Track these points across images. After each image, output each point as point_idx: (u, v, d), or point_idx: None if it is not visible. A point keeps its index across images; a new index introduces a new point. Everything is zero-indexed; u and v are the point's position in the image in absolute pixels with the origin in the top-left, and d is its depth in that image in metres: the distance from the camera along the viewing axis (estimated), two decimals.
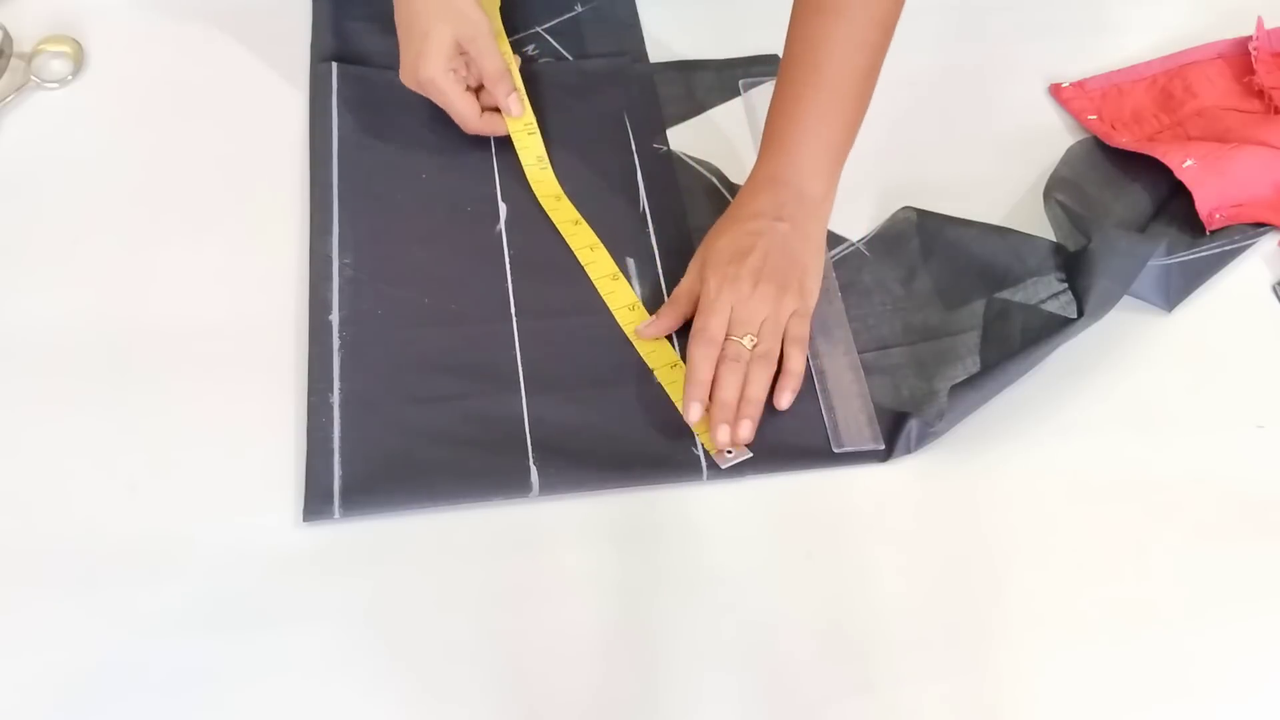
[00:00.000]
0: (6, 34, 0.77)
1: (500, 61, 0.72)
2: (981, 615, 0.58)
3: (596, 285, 0.68)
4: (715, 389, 0.61)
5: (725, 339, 0.63)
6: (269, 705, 0.53)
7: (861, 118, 0.67)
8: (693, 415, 0.61)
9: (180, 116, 0.75)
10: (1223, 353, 0.68)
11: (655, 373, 0.64)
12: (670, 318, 0.66)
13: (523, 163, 0.73)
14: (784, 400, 0.63)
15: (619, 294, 0.67)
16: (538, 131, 0.74)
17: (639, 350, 0.65)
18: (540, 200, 0.71)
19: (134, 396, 0.62)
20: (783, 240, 0.65)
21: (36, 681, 0.53)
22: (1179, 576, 0.59)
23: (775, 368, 0.63)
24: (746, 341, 0.62)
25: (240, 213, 0.71)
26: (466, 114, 0.72)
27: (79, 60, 0.78)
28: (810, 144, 0.66)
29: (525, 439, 0.61)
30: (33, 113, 0.75)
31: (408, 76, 0.71)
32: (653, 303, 0.68)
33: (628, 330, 0.66)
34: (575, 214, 0.71)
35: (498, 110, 0.74)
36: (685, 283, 0.66)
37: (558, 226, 0.70)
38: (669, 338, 0.66)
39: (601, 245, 0.69)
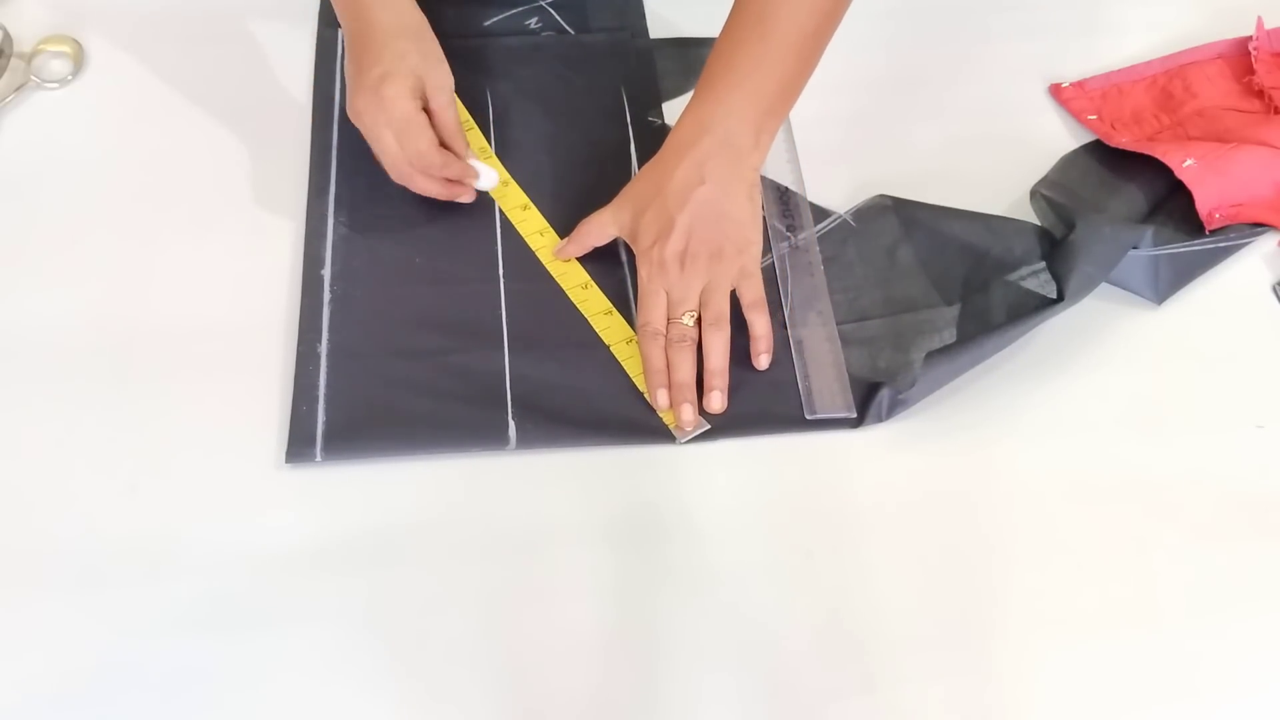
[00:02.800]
0: (6, 34, 0.77)
1: (457, 117, 0.69)
2: (981, 615, 0.58)
3: (548, 269, 0.69)
4: (670, 372, 0.63)
5: (668, 323, 0.64)
6: (268, 704, 0.53)
7: (803, 81, 0.67)
8: (661, 402, 0.62)
9: (180, 116, 0.75)
10: (1222, 353, 0.68)
11: (611, 348, 0.65)
12: (575, 245, 0.68)
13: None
14: (761, 363, 0.64)
15: (571, 274, 0.68)
16: (475, 126, 0.75)
17: (594, 327, 0.66)
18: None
19: (134, 396, 0.62)
20: (705, 207, 0.64)
21: (36, 681, 0.53)
22: (1179, 576, 0.59)
23: (729, 331, 0.64)
24: (687, 320, 0.64)
25: (240, 213, 0.71)
26: (400, 154, 0.66)
27: (79, 60, 0.78)
28: (742, 90, 0.65)
29: (505, 394, 0.63)
30: (33, 113, 0.75)
31: (362, 102, 0.65)
32: (609, 283, 0.68)
33: (582, 307, 0.67)
34: (524, 199, 0.72)
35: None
36: (598, 217, 0.67)
37: (506, 213, 0.71)
38: (622, 314, 0.67)
39: (551, 229, 0.70)
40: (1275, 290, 0.72)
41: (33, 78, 0.76)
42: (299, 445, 0.60)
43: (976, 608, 0.58)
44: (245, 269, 0.68)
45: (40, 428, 0.61)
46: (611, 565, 0.58)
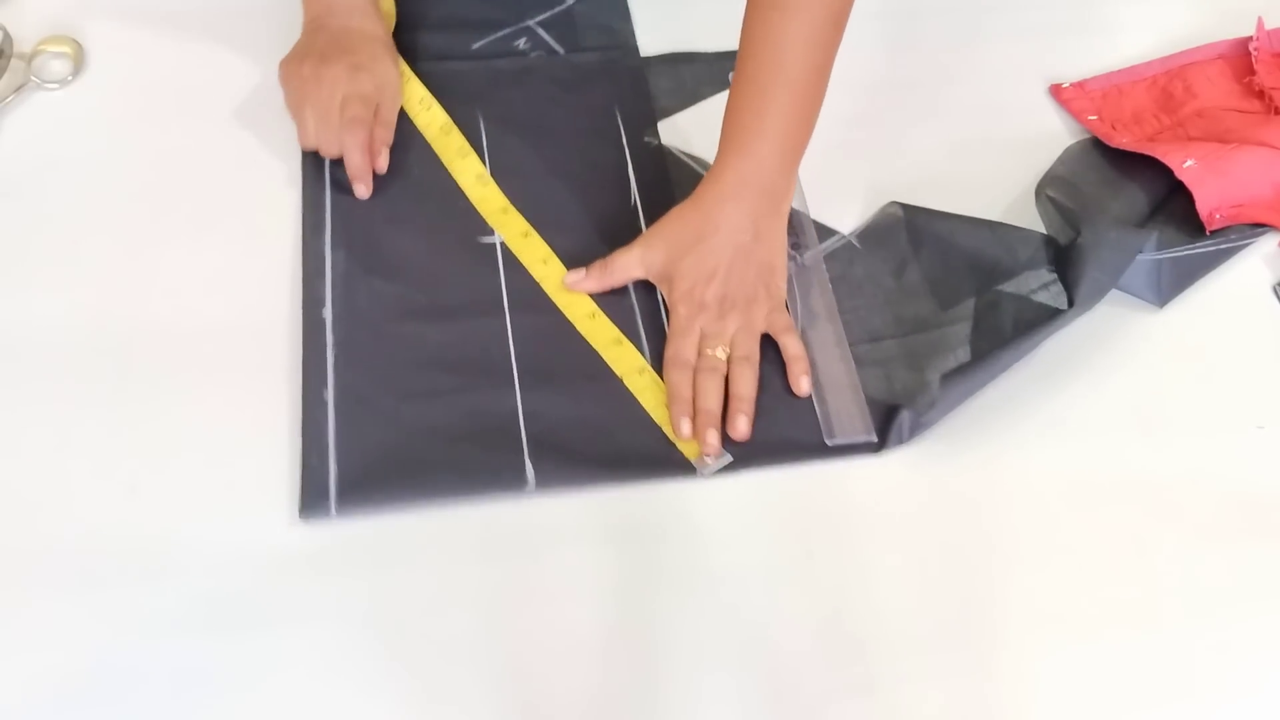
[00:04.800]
0: (6, 34, 0.77)
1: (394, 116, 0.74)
2: (982, 615, 0.58)
3: (553, 299, 0.67)
4: (697, 399, 0.62)
5: (698, 355, 0.64)
6: (268, 705, 0.53)
7: (818, 112, 0.67)
8: (684, 430, 0.61)
9: (180, 116, 0.75)
10: (1223, 353, 0.68)
11: (623, 379, 0.64)
12: (595, 281, 0.67)
13: (461, 185, 0.72)
14: (803, 385, 0.64)
15: (577, 304, 0.67)
16: (471, 152, 0.73)
17: (604, 358, 0.65)
18: (486, 218, 0.70)
19: (134, 396, 0.62)
20: (746, 255, 0.65)
21: (36, 681, 0.53)
22: (1179, 577, 0.59)
23: (758, 369, 0.63)
24: (720, 353, 0.63)
25: (240, 213, 0.71)
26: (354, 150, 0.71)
27: (79, 60, 0.78)
28: (773, 143, 0.66)
29: (520, 434, 0.61)
30: (33, 113, 0.75)
31: (336, 72, 0.72)
32: (643, 305, 0.67)
33: (590, 338, 0.65)
34: (525, 225, 0.70)
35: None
36: (625, 256, 0.67)
37: (507, 243, 0.69)
38: (635, 344, 0.65)
39: (555, 257, 0.69)
40: (1275, 290, 0.72)
41: (33, 78, 0.76)
42: (313, 500, 0.58)
43: (976, 608, 0.58)
44: (246, 268, 0.68)
45: (40, 428, 0.61)
46: (611, 565, 0.58)
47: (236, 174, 0.73)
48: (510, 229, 0.70)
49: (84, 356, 0.64)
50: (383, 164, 0.71)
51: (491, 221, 0.70)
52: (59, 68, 0.77)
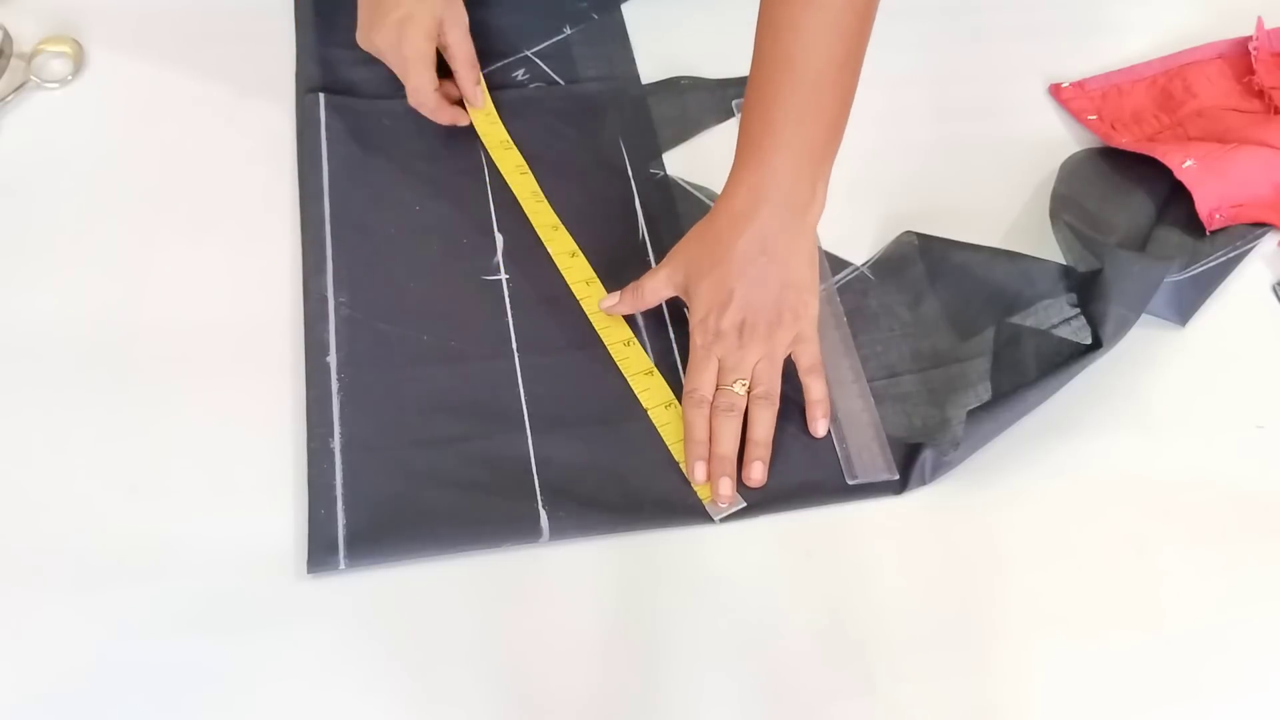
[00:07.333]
0: (6, 34, 0.77)
1: (472, 50, 0.75)
2: (982, 615, 0.58)
3: (591, 320, 0.66)
4: (713, 443, 0.60)
5: (716, 389, 0.62)
6: (268, 705, 0.53)
7: (847, 111, 0.63)
8: (698, 475, 0.60)
9: (180, 116, 0.75)
10: (1222, 353, 0.68)
11: (649, 412, 0.62)
12: (628, 305, 0.65)
13: (518, 197, 0.71)
14: (819, 429, 0.62)
15: (614, 329, 0.66)
16: (529, 172, 0.73)
17: (633, 388, 0.63)
18: (538, 230, 0.70)
19: (134, 397, 0.62)
20: (764, 275, 0.62)
21: (35, 682, 0.53)
22: (1179, 577, 0.59)
23: (777, 406, 0.62)
24: (738, 388, 0.61)
25: (240, 212, 0.71)
26: (430, 98, 0.73)
27: (79, 60, 0.78)
28: (790, 148, 0.61)
29: (533, 481, 0.60)
30: (33, 113, 0.75)
31: (382, 39, 0.72)
32: (655, 340, 0.66)
33: (622, 366, 0.64)
34: (572, 245, 0.69)
35: (459, 104, 0.76)
36: (653, 279, 0.65)
37: (554, 258, 0.68)
38: (662, 374, 0.64)
39: (597, 279, 0.68)
40: (1275, 290, 0.72)
41: (33, 78, 0.76)
42: (320, 553, 0.56)
43: (977, 608, 0.58)
44: (245, 269, 0.68)
45: (40, 428, 0.61)
46: (612, 565, 0.58)
47: (236, 174, 0.73)
48: (558, 246, 0.69)
49: (84, 356, 0.64)
50: (478, 99, 0.75)
51: (542, 236, 0.69)
52: (59, 68, 0.77)
